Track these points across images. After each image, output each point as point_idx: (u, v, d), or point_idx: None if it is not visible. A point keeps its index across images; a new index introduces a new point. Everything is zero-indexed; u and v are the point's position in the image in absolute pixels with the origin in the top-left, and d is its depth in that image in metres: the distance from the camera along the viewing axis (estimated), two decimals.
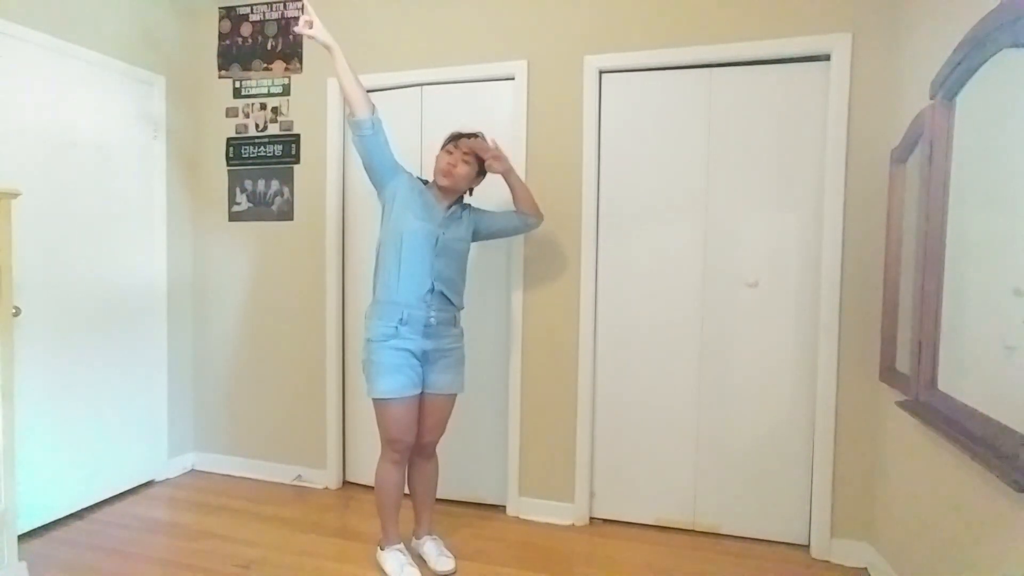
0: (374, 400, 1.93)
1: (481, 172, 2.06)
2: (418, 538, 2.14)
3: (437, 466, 2.16)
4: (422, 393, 1.99)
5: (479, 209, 2.15)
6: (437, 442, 2.11)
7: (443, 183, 1.99)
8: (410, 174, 2.04)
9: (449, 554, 2.08)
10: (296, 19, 2.83)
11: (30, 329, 2.24)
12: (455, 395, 2.07)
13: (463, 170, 1.99)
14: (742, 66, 2.26)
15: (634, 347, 2.42)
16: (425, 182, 2.07)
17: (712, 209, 2.31)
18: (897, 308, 1.93)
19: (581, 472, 2.46)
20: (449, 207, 2.02)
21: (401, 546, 2.04)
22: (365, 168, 1.99)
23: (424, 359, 1.96)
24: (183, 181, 2.94)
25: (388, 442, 1.95)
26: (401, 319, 1.90)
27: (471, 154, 2.00)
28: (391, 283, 1.92)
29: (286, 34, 2.82)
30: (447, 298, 1.98)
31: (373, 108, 1.92)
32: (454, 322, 2.04)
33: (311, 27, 1.89)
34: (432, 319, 1.93)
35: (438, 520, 2.45)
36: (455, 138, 2.03)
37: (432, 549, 2.09)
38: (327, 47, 1.91)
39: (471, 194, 2.14)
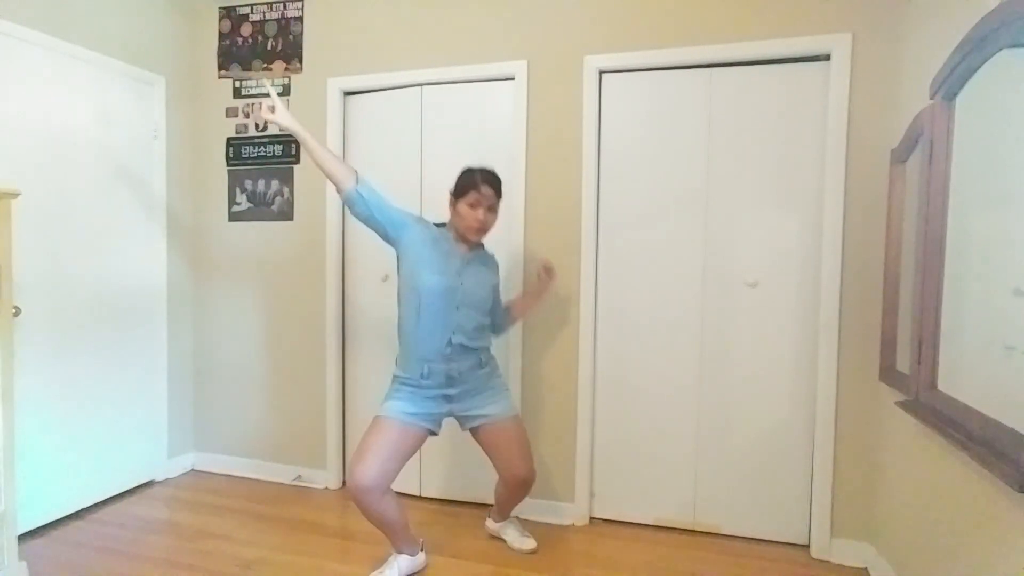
0: (374, 419, 1.90)
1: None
2: (497, 522, 2.29)
3: (510, 497, 2.17)
4: (477, 434, 2.02)
5: (498, 273, 2.10)
6: (532, 473, 2.08)
7: (476, 239, 1.95)
8: (421, 221, 1.96)
9: (529, 535, 2.25)
10: (297, 19, 2.85)
11: (30, 329, 2.24)
12: (516, 417, 2.07)
13: (492, 220, 1.95)
14: (742, 66, 2.26)
15: (634, 346, 2.42)
16: (440, 225, 1.99)
17: (712, 209, 2.32)
18: (897, 308, 1.93)
19: (581, 472, 2.46)
20: (470, 249, 1.97)
21: (403, 558, 1.98)
22: (372, 230, 1.92)
23: (448, 400, 1.95)
24: (183, 181, 2.94)
25: (350, 470, 1.81)
26: (423, 373, 1.89)
27: (496, 203, 1.94)
28: (411, 339, 1.90)
29: (286, 34, 2.83)
30: (468, 347, 1.93)
31: (356, 176, 1.85)
32: (480, 364, 1.98)
33: (273, 111, 1.85)
34: (454, 371, 1.91)
35: (440, 520, 2.46)
36: (473, 185, 1.89)
37: (513, 532, 2.26)
38: (291, 131, 1.86)
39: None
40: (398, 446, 1.85)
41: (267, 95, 1.90)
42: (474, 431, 2.03)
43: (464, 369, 1.94)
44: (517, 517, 2.34)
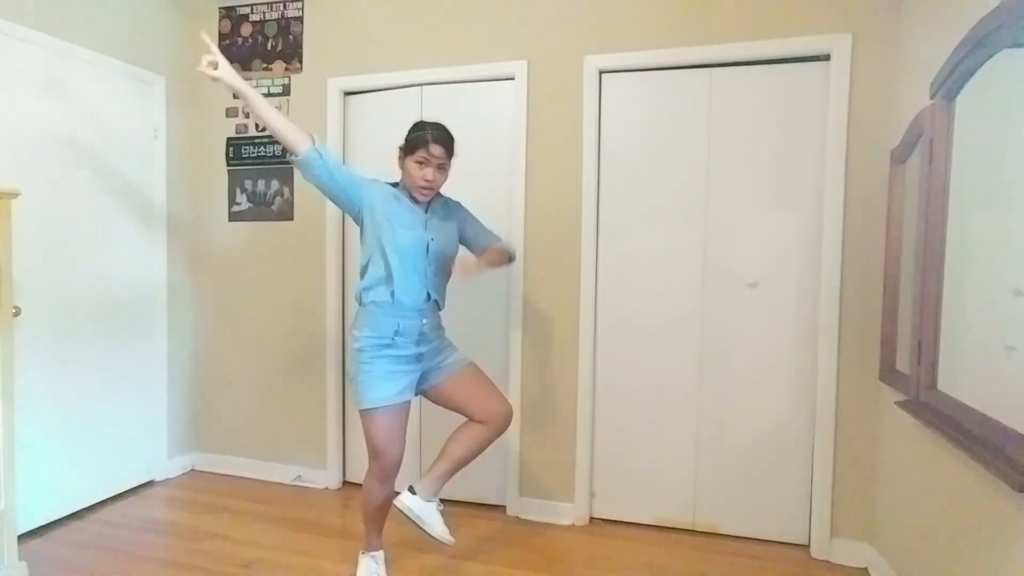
0: (362, 412, 1.84)
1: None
2: (426, 499, 1.84)
3: (489, 436, 1.91)
4: (440, 386, 1.93)
5: (463, 209, 2.03)
6: (505, 408, 1.92)
7: (423, 197, 1.86)
8: (376, 182, 1.89)
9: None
10: (297, 19, 2.85)
11: (30, 329, 2.24)
12: (471, 363, 1.97)
13: (441, 178, 1.87)
14: (742, 66, 2.26)
15: (634, 347, 2.42)
16: (395, 185, 1.92)
17: (712, 209, 2.32)
18: (897, 308, 1.93)
19: (581, 472, 2.46)
20: (427, 206, 1.92)
21: (379, 554, 1.99)
22: (329, 198, 1.86)
23: (419, 360, 1.90)
24: (183, 181, 2.94)
25: (375, 455, 1.84)
26: (397, 330, 1.83)
27: (446, 161, 1.85)
28: (384, 296, 1.84)
29: (286, 34, 2.83)
30: (437, 303, 1.94)
31: (312, 138, 1.78)
32: (440, 324, 2.00)
33: (215, 67, 1.69)
34: (425, 326, 1.89)
35: None
36: (423, 142, 1.81)
37: (439, 518, 1.86)
38: (236, 90, 1.73)
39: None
40: (405, 421, 1.88)
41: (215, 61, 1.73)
42: (435, 388, 1.93)
43: (433, 325, 1.92)
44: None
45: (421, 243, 1.86)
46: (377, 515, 1.96)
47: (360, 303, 1.90)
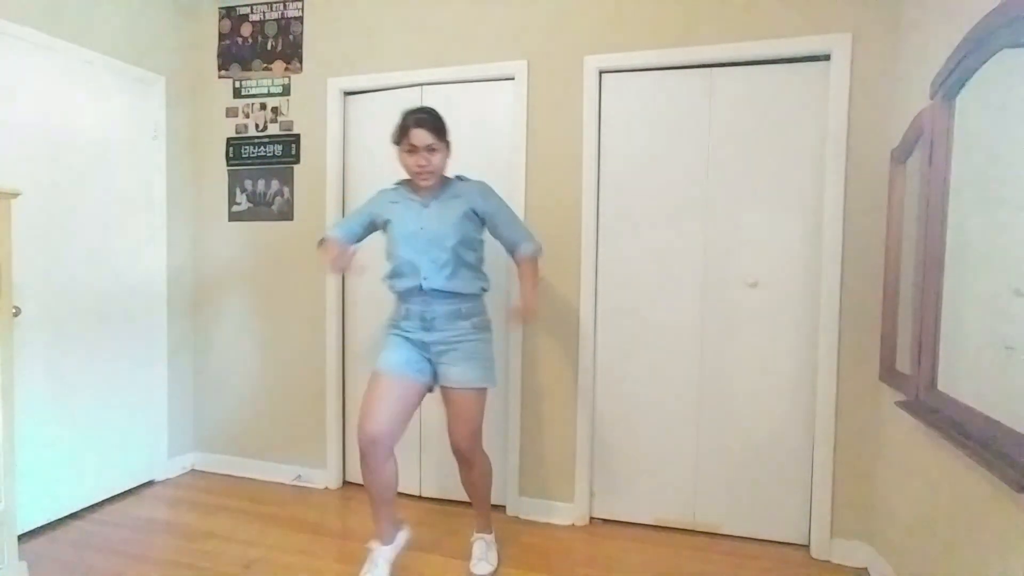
0: (372, 373, 1.92)
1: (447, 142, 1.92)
2: (474, 533, 2.14)
3: (483, 472, 2.04)
4: (441, 389, 1.95)
5: (483, 196, 1.96)
6: (469, 447, 1.94)
7: (424, 184, 1.89)
8: (381, 192, 2.04)
9: (491, 560, 2.06)
10: (297, 19, 2.85)
11: (30, 329, 2.24)
12: (473, 390, 1.90)
13: (438, 160, 1.87)
14: (742, 66, 2.26)
15: (634, 346, 2.42)
16: (406, 180, 1.99)
17: (712, 209, 2.31)
18: (897, 308, 1.93)
19: (581, 472, 2.46)
20: (432, 192, 1.92)
21: (384, 549, 1.95)
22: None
23: (428, 350, 1.89)
24: (183, 181, 2.94)
25: (358, 428, 1.84)
26: (403, 314, 1.95)
27: (435, 142, 1.85)
28: (392, 286, 1.98)
29: (286, 34, 2.83)
30: (442, 292, 1.87)
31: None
32: (462, 315, 1.90)
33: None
34: (428, 314, 1.88)
35: (438, 521, 2.45)
36: (405, 131, 1.86)
37: (476, 550, 2.08)
38: None
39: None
40: (398, 397, 1.86)
41: None
42: (442, 391, 1.96)
43: (439, 315, 1.88)
44: (489, 534, 2.14)
45: (414, 235, 1.90)
46: (374, 500, 1.92)
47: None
